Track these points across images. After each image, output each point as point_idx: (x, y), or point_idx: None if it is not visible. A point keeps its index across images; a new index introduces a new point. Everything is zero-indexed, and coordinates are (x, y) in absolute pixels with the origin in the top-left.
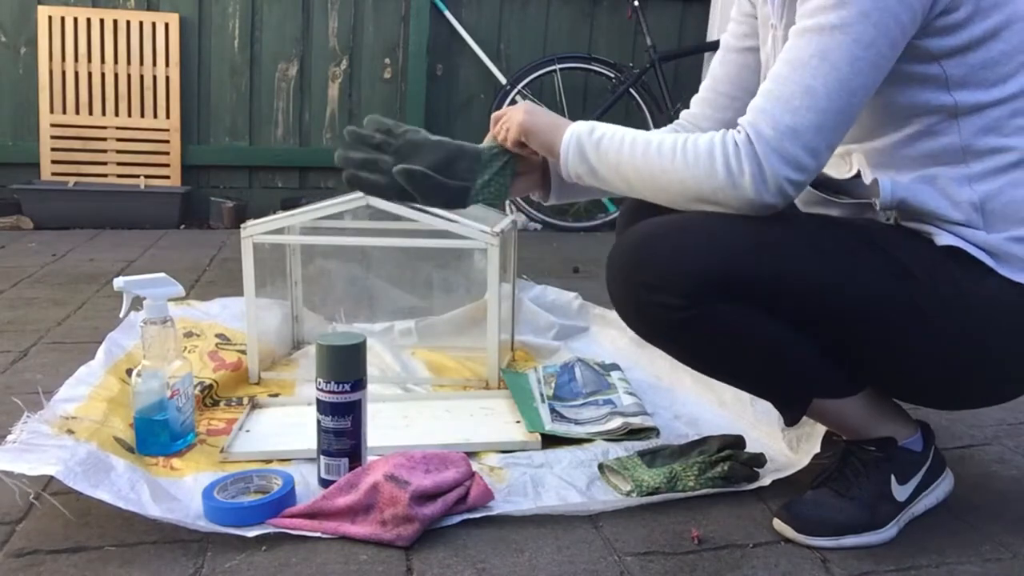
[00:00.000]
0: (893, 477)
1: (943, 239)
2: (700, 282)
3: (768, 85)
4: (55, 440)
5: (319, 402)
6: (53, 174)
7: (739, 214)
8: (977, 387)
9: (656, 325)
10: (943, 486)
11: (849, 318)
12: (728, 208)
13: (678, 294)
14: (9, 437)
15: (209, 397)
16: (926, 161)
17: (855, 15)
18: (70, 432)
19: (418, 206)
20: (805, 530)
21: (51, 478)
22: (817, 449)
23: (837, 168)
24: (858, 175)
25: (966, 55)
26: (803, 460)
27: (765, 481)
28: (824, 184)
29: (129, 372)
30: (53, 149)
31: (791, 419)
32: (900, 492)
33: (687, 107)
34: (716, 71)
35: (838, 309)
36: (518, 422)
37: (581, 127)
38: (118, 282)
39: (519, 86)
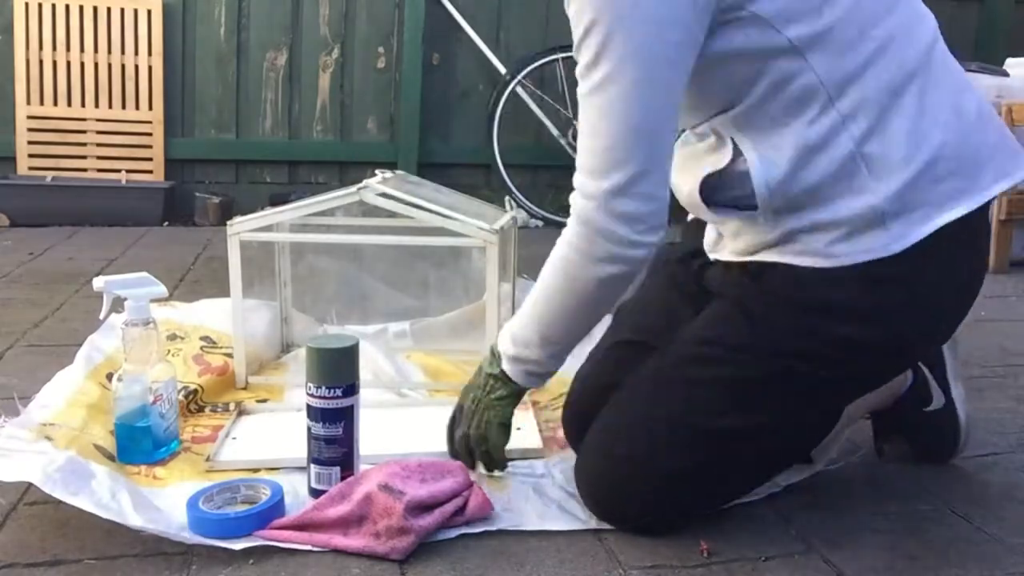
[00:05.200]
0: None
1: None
2: (644, 512)
3: (578, 159)
4: (33, 446)
5: (309, 408)
6: (30, 168)
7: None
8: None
9: (648, 530)
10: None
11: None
12: (618, 272)
13: (639, 521)
14: None
15: (194, 403)
16: (793, 111)
17: (616, 64)
18: (48, 439)
19: (415, 202)
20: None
21: (28, 487)
22: (832, 454)
23: (713, 158)
24: (734, 159)
25: None
26: (816, 465)
27: (778, 488)
28: (707, 200)
29: (109, 377)
30: (30, 142)
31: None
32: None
33: None
34: None
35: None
36: (519, 429)
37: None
38: (98, 282)
39: (520, 76)
